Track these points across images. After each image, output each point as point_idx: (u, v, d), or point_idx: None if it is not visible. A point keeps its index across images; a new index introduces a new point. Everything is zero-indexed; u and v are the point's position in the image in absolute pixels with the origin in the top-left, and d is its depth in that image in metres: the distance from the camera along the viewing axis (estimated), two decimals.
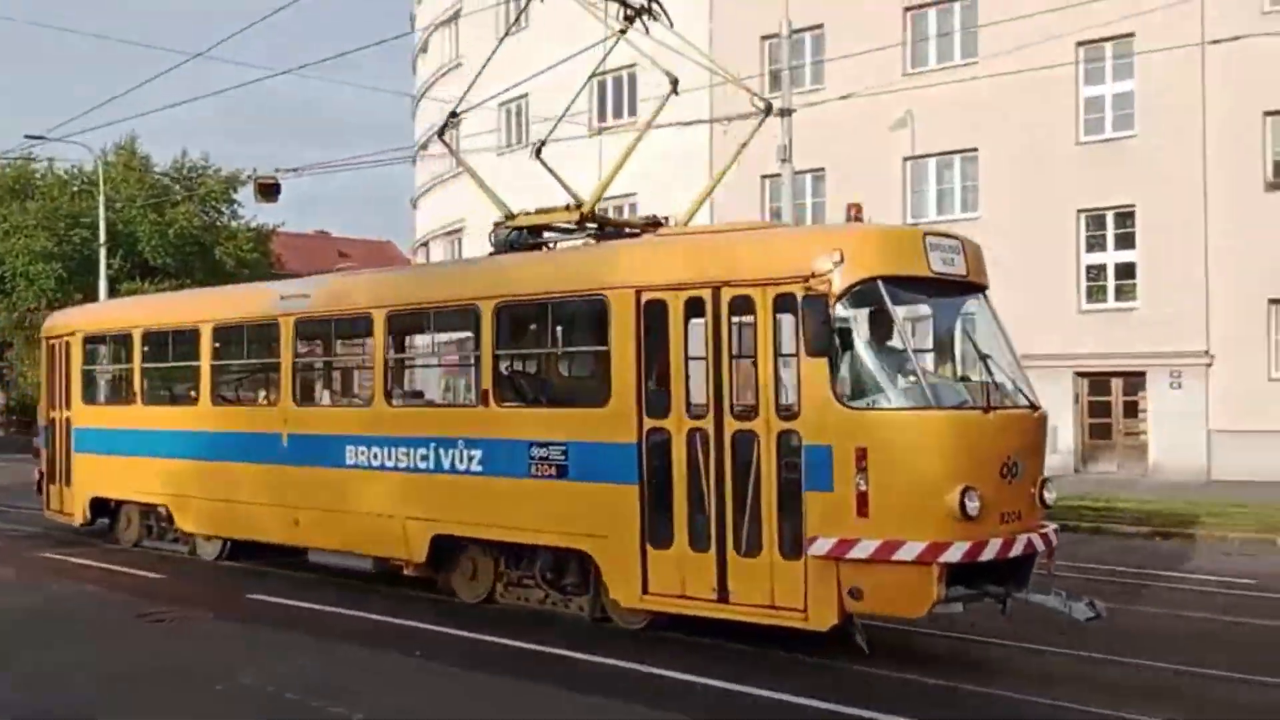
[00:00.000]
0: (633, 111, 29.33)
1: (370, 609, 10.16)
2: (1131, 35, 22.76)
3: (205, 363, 12.79)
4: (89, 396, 14.79)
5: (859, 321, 8.09)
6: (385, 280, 12.91)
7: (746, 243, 9.03)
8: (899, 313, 8.17)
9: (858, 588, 7.75)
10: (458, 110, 12.15)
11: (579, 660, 8.28)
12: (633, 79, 28.58)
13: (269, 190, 21.44)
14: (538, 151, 11.13)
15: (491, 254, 10.93)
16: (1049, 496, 8.52)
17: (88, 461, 14.48)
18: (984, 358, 8.61)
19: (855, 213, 8.81)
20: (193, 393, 13.19)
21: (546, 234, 10.80)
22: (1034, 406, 8.53)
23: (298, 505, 11.51)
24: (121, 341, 14.46)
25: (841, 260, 7.91)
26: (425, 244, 39.88)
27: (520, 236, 10.71)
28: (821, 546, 7.80)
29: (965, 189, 25.60)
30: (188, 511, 13.01)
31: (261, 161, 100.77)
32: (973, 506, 7.57)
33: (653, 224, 10.48)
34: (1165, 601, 10.72)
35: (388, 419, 10.81)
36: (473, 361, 10.24)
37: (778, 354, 8.29)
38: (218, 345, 12.82)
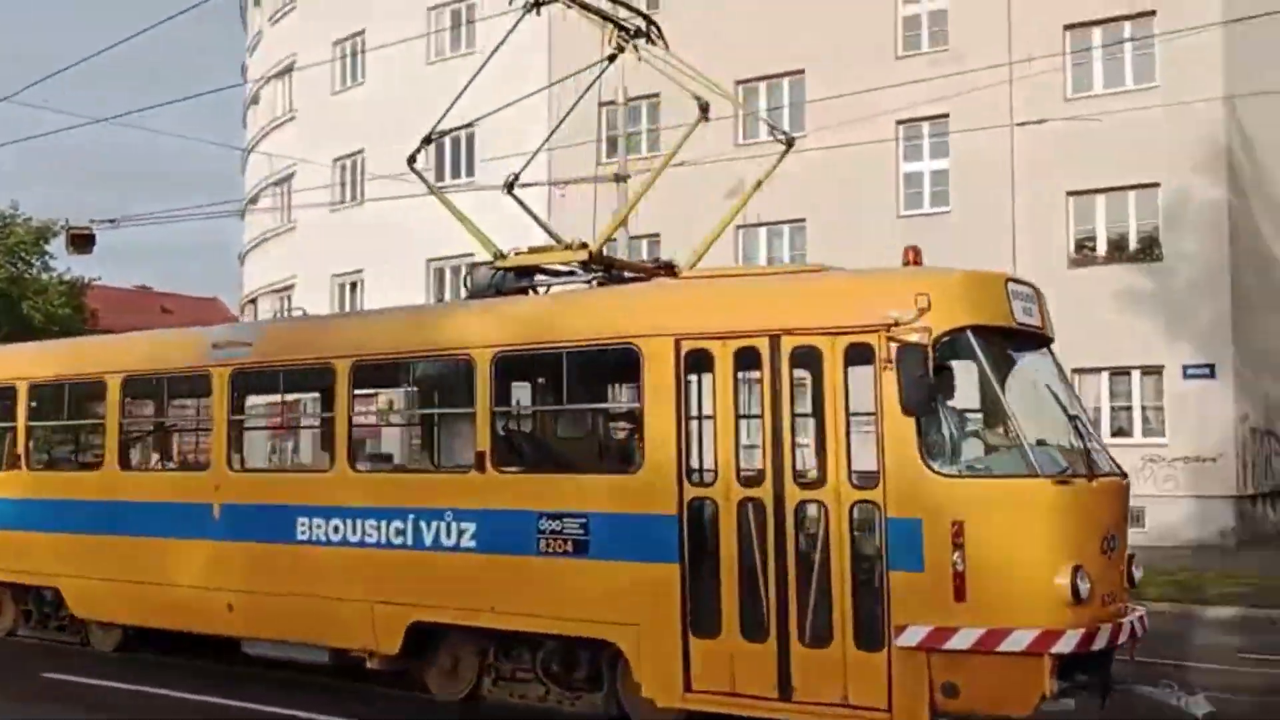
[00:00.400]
0: (470, 172, 29.29)
1: (329, 709, 8.82)
2: (946, 116, 24.06)
3: (112, 420, 11.06)
4: None
5: (948, 377, 7.20)
6: (351, 326, 11.47)
7: (808, 286, 8.07)
8: (989, 367, 7.22)
9: (953, 683, 6.80)
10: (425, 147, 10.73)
11: None
12: (470, 139, 28.57)
13: (82, 241, 20.46)
14: (509, 187, 10.32)
15: (466, 298, 9.89)
16: (1137, 574, 7.76)
17: None
18: (1072, 419, 7.64)
19: (913, 257, 7.76)
20: (96, 456, 11.56)
21: (538, 277, 9.72)
22: (1124, 474, 7.80)
23: (231, 588, 9.81)
24: (3, 396, 12.34)
25: (929, 307, 6.94)
26: (253, 300, 38.67)
27: (505, 279, 9.53)
28: (913, 636, 6.82)
29: (794, 258, 26.36)
30: (84, 595, 11.18)
31: (76, 212, 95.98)
32: (1084, 588, 6.71)
33: (667, 267, 9.61)
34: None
35: (353, 486, 9.33)
36: (465, 420, 8.94)
37: (849, 412, 7.29)
38: (129, 400, 11.27)
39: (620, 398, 9.18)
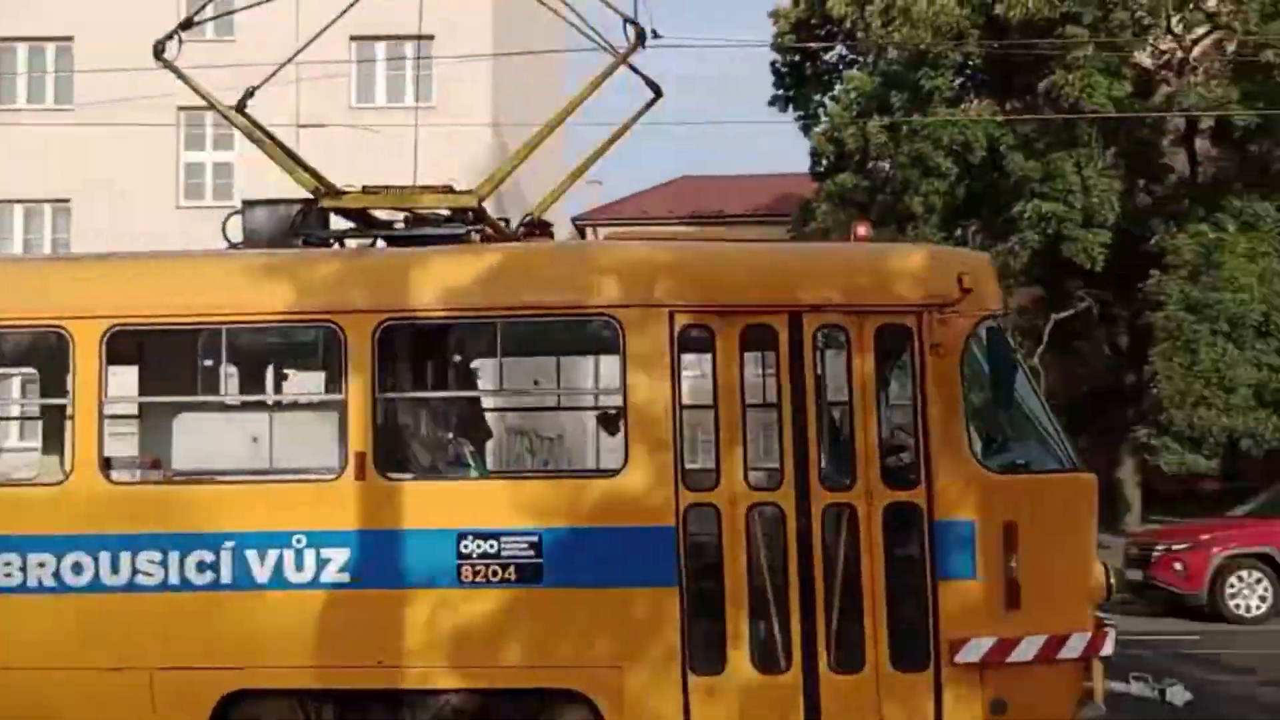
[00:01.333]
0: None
1: None
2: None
3: None
4: None
5: (986, 366, 6.37)
6: (103, 272, 7.17)
7: (832, 257, 7.13)
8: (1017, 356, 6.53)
9: (1002, 699, 6.02)
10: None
11: None
12: None
13: None
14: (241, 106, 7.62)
15: (236, 246, 7.06)
16: None
17: None
18: (1048, 408, 7.03)
19: (864, 232, 7.19)
20: None
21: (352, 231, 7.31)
22: None
23: None
24: None
25: (970, 289, 6.05)
26: None
27: (312, 225, 7.08)
28: (975, 650, 5.97)
29: (56, 241, 23.92)
30: None
31: None
32: (1110, 585, 6.44)
33: (542, 226, 7.57)
34: None
35: (116, 505, 6.40)
36: (324, 408, 6.80)
37: (883, 403, 6.39)
38: None
39: (590, 383, 7.61)
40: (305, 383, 7.93)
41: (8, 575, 6.20)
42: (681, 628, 6.04)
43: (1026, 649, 6.07)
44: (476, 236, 7.19)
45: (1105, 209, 17.56)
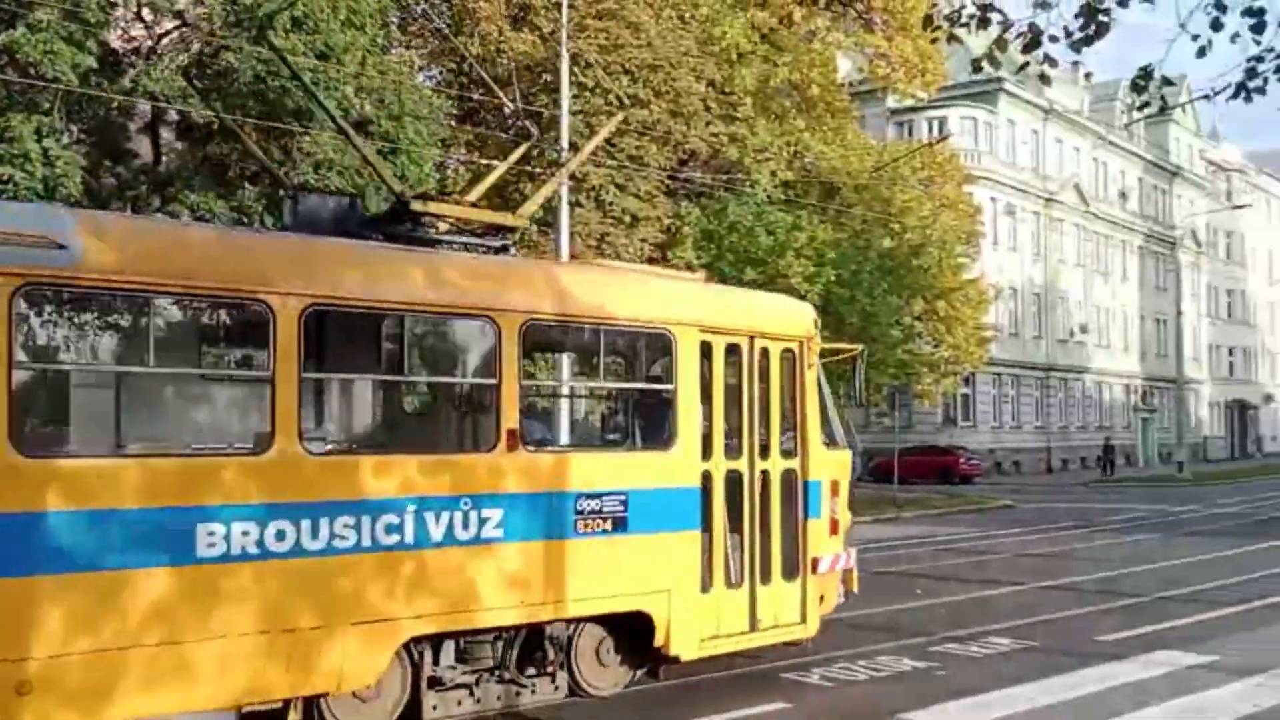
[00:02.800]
0: None
1: None
2: None
3: None
4: None
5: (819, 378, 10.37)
6: (291, 251, 7.59)
7: (762, 299, 11.24)
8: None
9: (823, 595, 10.21)
10: None
11: None
12: None
13: None
14: None
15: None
16: None
17: None
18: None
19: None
20: None
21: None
22: None
23: (35, 655, 6.04)
24: None
25: (818, 326, 10.47)
26: None
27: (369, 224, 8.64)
28: (825, 564, 10.12)
29: None
30: None
31: None
32: None
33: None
34: None
35: (310, 474, 7.06)
36: (480, 393, 8.60)
37: (782, 400, 9.97)
38: None
39: (659, 380, 9.56)
40: (469, 369, 9.24)
41: (211, 545, 6.65)
42: (702, 560, 9.14)
43: (842, 562, 10.41)
44: (514, 250, 9.72)
45: (69, 183, 16.85)
